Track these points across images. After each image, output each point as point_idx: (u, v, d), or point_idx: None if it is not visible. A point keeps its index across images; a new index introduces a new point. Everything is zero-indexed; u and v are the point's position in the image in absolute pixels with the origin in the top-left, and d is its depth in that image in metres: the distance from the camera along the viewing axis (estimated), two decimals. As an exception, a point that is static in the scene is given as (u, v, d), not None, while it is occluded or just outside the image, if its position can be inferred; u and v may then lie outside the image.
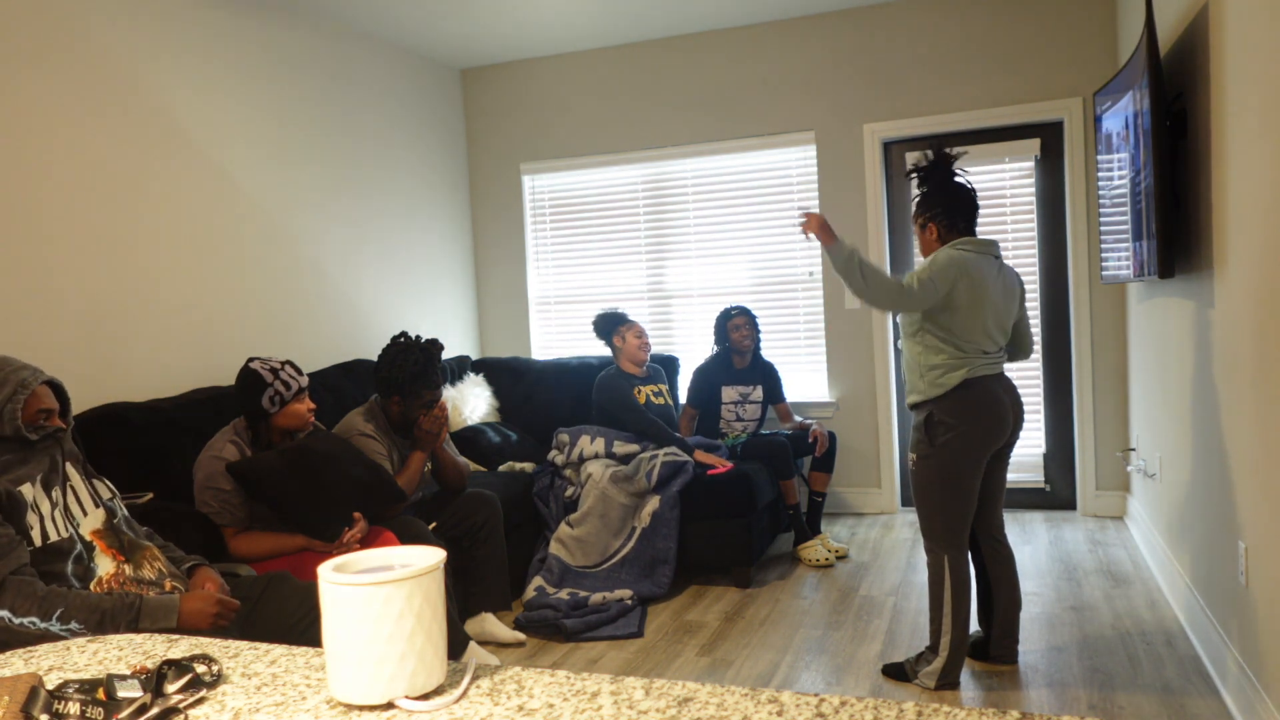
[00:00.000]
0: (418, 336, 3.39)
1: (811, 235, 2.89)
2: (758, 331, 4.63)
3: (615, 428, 4.27)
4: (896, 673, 3.00)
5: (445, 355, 5.34)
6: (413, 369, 3.27)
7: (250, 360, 2.89)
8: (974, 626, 3.29)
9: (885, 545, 4.48)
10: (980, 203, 2.96)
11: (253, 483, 2.77)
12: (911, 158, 3.06)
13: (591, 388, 4.53)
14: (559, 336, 5.69)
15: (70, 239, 3.26)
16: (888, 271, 2.79)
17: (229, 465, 2.77)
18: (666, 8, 4.77)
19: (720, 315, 4.65)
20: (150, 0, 3.60)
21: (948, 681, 2.87)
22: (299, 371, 2.93)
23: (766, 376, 4.65)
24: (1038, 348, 4.89)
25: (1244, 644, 2.58)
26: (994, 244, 2.89)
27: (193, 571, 2.28)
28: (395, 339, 3.36)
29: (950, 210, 2.90)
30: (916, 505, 2.92)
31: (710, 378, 4.61)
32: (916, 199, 2.99)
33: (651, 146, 5.36)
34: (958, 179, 2.93)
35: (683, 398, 4.80)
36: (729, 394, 4.58)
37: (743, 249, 5.29)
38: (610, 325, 4.39)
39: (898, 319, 2.99)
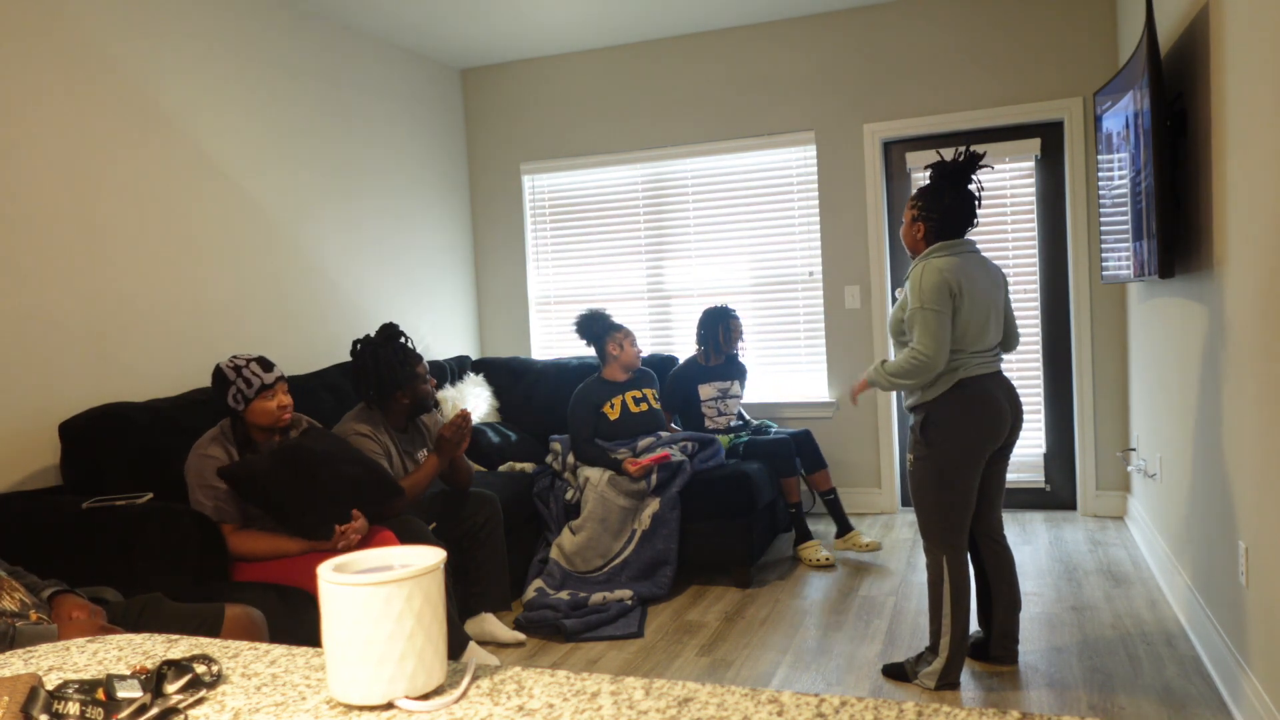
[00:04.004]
0: (368, 335, 3.43)
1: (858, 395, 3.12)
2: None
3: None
4: (896, 673, 2.99)
5: (445, 355, 5.35)
6: (395, 358, 3.32)
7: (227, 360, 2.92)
8: (974, 627, 3.29)
9: (885, 545, 4.48)
10: (981, 202, 2.95)
11: (246, 485, 2.77)
12: (946, 154, 2.99)
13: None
14: (559, 336, 5.69)
15: (70, 239, 3.25)
16: (898, 356, 2.82)
17: (220, 470, 2.78)
18: (666, 8, 4.77)
19: (714, 315, 4.58)
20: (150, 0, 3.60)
21: (948, 682, 2.87)
22: (266, 368, 2.90)
23: (742, 375, 4.70)
24: (1038, 346, 4.89)
25: (1244, 644, 2.58)
26: (970, 241, 2.88)
27: (54, 599, 2.10)
28: (354, 349, 3.38)
29: (945, 221, 2.87)
30: (915, 506, 2.92)
31: (685, 378, 4.61)
32: (921, 188, 2.95)
33: (651, 146, 5.36)
34: (970, 187, 2.90)
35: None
36: (706, 390, 4.58)
37: (742, 249, 5.29)
38: (601, 330, 4.25)
39: (888, 325, 2.99)
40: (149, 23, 3.60)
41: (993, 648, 3.03)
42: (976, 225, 2.96)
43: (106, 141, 3.41)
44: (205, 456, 2.82)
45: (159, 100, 3.63)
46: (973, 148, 2.93)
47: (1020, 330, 3.13)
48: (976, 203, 2.90)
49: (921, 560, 4.19)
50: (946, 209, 2.87)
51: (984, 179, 4.79)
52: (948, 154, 2.98)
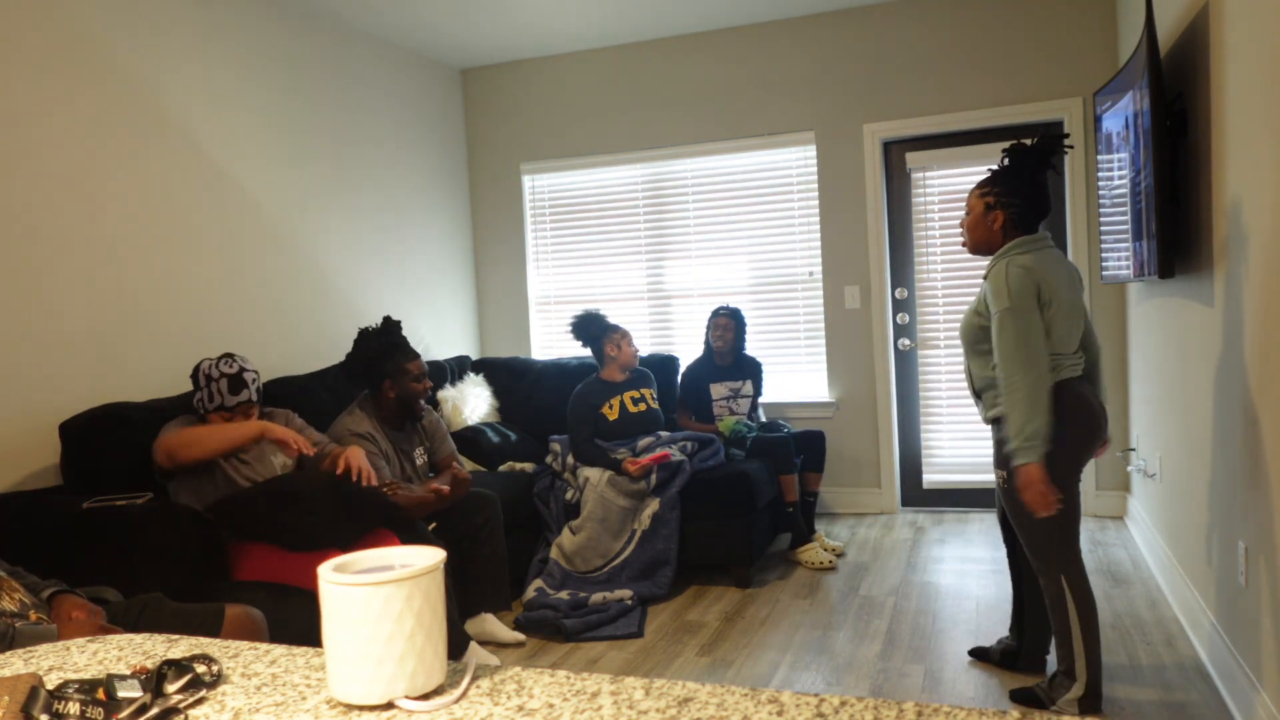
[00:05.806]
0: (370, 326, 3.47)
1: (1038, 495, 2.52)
2: (741, 332, 4.65)
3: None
4: (1028, 698, 2.71)
5: (445, 355, 5.34)
6: (384, 347, 3.33)
7: (221, 356, 2.98)
8: (1004, 634, 3.25)
9: (885, 545, 4.48)
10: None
11: (231, 514, 2.79)
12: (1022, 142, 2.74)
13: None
14: (559, 336, 5.69)
15: (70, 239, 3.25)
16: (1032, 392, 2.50)
17: (207, 508, 2.80)
18: (666, 8, 4.77)
19: (710, 314, 4.72)
20: (150, 0, 3.60)
21: (1093, 708, 2.56)
22: (235, 390, 2.93)
23: (754, 373, 4.70)
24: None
25: (1244, 644, 2.58)
26: (1047, 235, 2.64)
27: (54, 599, 2.10)
28: (357, 338, 3.43)
29: (1028, 207, 2.61)
30: (1021, 527, 2.62)
31: (697, 376, 4.65)
32: (993, 174, 2.68)
33: (651, 146, 5.36)
34: (1044, 175, 2.66)
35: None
36: (718, 390, 4.62)
37: (743, 249, 5.29)
38: (598, 331, 4.25)
39: (961, 333, 2.73)
40: (150, 24, 3.59)
41: (1023, 660, 2.95)
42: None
43: (107, 142, 3.40)
44: (168, 429, 2.90)
45: (159, 102, 3.63)
46: (1060, 135, 2.66)
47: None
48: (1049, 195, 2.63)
49: (922, 560, 4.19)
50: (1031, 195, 2.60)
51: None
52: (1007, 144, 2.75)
